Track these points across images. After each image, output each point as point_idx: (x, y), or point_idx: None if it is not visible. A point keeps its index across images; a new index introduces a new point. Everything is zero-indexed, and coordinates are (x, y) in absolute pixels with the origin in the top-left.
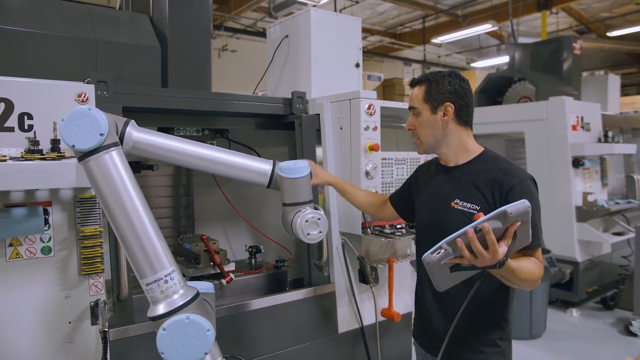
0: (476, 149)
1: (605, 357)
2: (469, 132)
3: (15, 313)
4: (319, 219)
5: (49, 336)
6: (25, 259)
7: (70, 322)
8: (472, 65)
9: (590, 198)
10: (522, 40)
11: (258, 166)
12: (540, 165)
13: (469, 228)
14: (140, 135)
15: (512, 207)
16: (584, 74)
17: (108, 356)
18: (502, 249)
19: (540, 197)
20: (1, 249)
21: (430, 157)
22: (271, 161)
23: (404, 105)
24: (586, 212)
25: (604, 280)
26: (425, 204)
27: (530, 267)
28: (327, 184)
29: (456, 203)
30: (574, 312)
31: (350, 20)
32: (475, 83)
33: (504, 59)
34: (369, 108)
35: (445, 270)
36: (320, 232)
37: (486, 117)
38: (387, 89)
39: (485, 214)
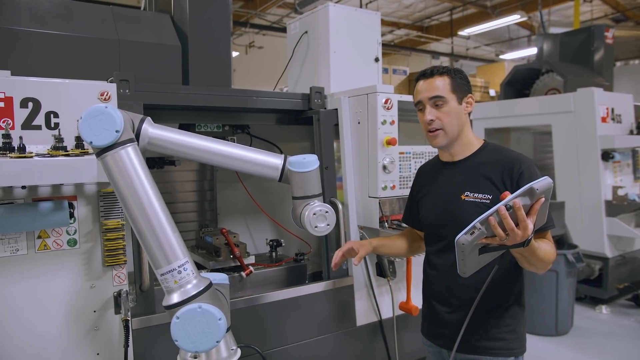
0: (477, 142)
1: (636, 356)
2: (470, 124)
3: (44, 302)
4: (326, 211)
5: (76, 324)
6: (52, 250)
7: (95, 311)
8: (502, 57)
9: (620, 192)
10: (553, 30)
11: (269, 160)
12: (568, 159)
13: (500, 205)
14: (156, 132)
15: (538, 183)
16: (618, 63)
17: (130, 343)
18: (530, 225)
19: (568, 191)
20: (30, 241)
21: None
22: (282, 155)
23: None
24: (616, 207)
25: (636, 277)
26: (432, 201)
27: (547, 247)
28: (373, 250)
29: (467, 195)
30: (604, 309)
31: (369, 15)
32: (503, 75)
33: (534, 51)
34: (385, 102)
35: (474, 253)
36: (328, 224)
37: (513, 110)
38: (413, 83)
39: (498, 201)
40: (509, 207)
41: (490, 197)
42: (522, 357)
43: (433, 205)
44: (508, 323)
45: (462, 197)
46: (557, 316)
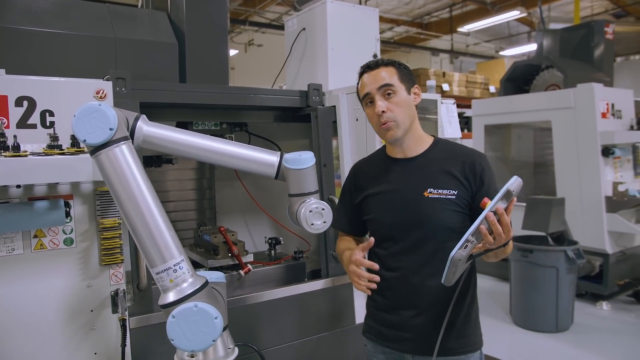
0: (427, 137)
1: (638, 352)
2: None
3: (41, 302)
4: (323, 209)
5: (73, 323)
6: (49, 249)
7: (92, 311)
8: (502, 53)
9: (620, 188)
10: (553, 26)
11: (265, 158)
12: (568, 155)
13: (488, 212)
14: (150, 130)
15: (512, 185)
16: (618, 59)
17: (128, 343)
18: (510, 227)
19: (568, 187)
20: (26, 240)
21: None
22: (278, 153)
23: (429, 95)
24: (616, 203)
25: (636, 273)
26: (386, 201)
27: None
28: None
29: (430, 192)
30: (604, 305)
31: (367, 11)
32: (503, 71)
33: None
34: None
35: (463, 263)
36: (324, 222)
37: (512, 107)
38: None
39: (463, 197)
40: (493, 213)
41: (455, 193)
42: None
43: (389, 206)
44: (474, 317)
45: (425, 194)
46: (557, 313)
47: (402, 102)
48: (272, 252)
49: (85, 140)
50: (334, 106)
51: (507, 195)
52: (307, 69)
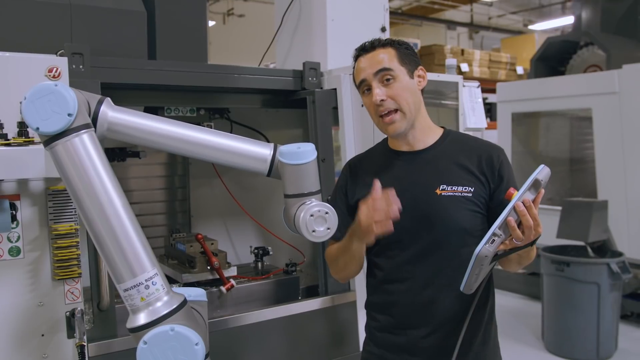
0: (436, 127)
1: None
2: None
3: None
4: (326, 212)
5: (19, 351)
6: None
7: (43, 335)
8: (531, 27)
9: None
10: None
11: (256, 150)
12: (612, 149)
13: (517, 202)
14: (117, 116)
15: (540, 174)
16: None
17: None
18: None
19: (611, 188)
20: None
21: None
22: (271, 145)
23: (447, 77)
24: None
25: None
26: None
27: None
28: None
29: (443, 189)
30: None
31: None
32: (533, 49)
33: (570, 20)
34: None
35: (488, 263)
36: (328, 228)
37: (545, 91)
38: (425, 58)
39: (481, 196)
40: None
41: (472, 190)
42: None
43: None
44: (493, 337)
45: (437, 191)
46: (598, 337)
47: (404, 88)
48: (259, 264)
49: (38, 129)
50: (335, 89)
51: (535, 186)
52: (302, 45)
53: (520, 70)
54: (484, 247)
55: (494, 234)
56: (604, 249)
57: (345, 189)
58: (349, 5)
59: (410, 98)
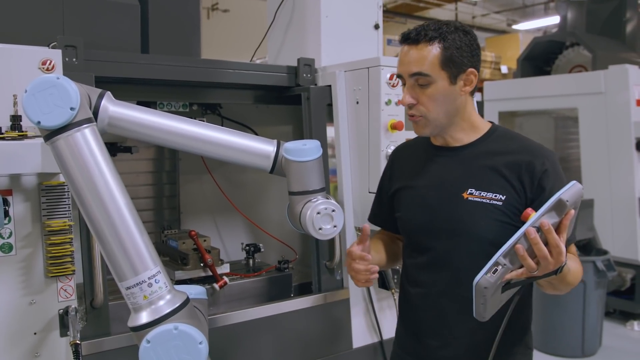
0: (483, 124)
1: None
2: (473, 102)
3: None
4: (333, 210)
5: (10, 350)
6: None
7: (35, 333)
8: (515, 27)
9: None
10: None
11: (260, 147)
12: (597, 149)
13: (528, 227)
14: (118, 110)
15: (567, 194)
16: None
17: None
18: (564, 248)
19: (596, 187)
20: None
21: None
22: (275, 141)
23: None
24: None
25: None
26: (417, 198)
27: (575, 267)
28: None
29: (470, 193)
30: (635, 326)
31: None
32: (517, 49)
33: (554, 20)
34: (391, 78)
35: (497, 293)
36: (334, 226)
37: (531, 91)
38: None
39: (513, 206)
40: (537, 229)
41: (503, 198)
42: None
43: (420, 204)
44: (525, 341)
45: (465, 195)
46: (583, 334)
47: (438, 96)
48: (251, 261)
49: (39, 122)
50: (329, 86)
51: (559, 207)
52: (294, 41)
53: (504, 69)
54: (483, 277)
55: (496, 263)
56: (589, 247)
57: (386, 178)
58: (342, 1)
59: (441, 107)
